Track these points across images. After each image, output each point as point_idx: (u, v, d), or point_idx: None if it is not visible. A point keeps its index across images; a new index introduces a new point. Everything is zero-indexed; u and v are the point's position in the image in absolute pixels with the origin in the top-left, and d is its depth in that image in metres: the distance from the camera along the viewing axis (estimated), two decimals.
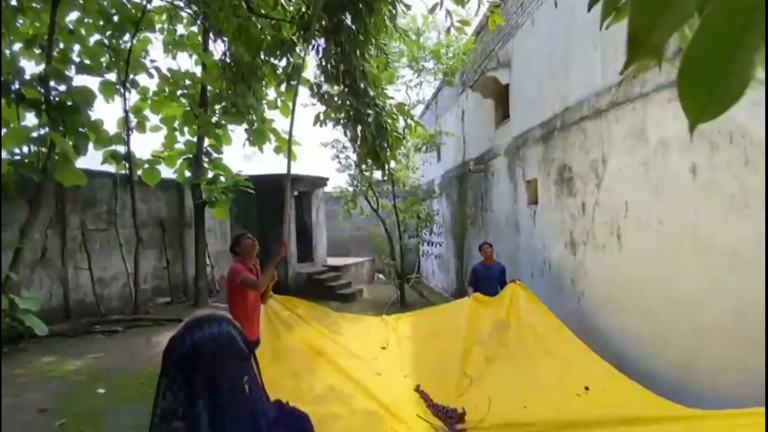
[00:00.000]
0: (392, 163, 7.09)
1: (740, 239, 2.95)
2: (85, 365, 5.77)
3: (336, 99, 6.02)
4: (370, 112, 5.53)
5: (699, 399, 3.03)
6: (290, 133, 4.78)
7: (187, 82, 10.31)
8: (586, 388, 3.54)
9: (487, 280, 5.46)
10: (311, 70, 7.51)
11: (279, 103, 10.29)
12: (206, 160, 10.40)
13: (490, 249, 5.76)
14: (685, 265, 3.41)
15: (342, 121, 5.79)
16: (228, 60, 7.25)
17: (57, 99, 7.20)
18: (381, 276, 14.19)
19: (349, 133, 6.19)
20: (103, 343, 7.01)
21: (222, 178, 10.36)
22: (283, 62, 6.89)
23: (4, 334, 6.30)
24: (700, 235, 3.26)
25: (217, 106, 9.81)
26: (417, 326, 5.27)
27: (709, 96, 0.47)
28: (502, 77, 7.12)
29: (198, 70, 10.21)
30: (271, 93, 9.75)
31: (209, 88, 9.91)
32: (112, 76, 8.97)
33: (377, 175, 9.74)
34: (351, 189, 11.23)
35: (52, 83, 7.14)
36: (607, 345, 4.18)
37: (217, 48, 9.14)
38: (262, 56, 6.83)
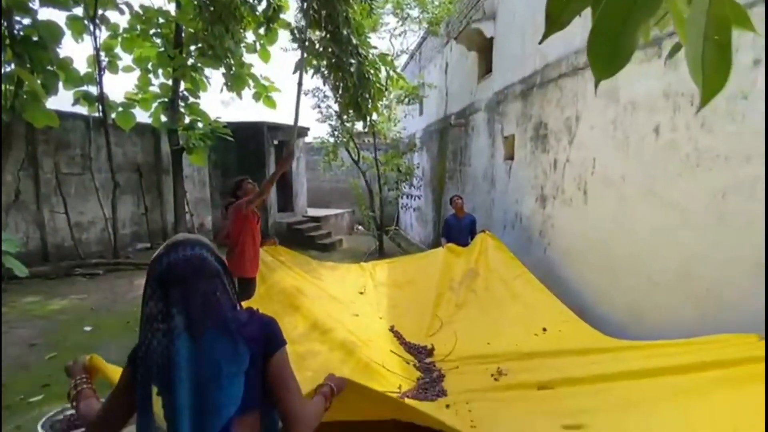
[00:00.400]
0: (374, 115, 7.10)
1: (690, 196, 3.22)
2: (70, 305, 5.92)
3: (317, 46, 5.91)
4: (352, 61, 5.48)
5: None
6: (299, 86, 4.71)
7: (161, 20, 9.80)
8: (544, 329, 3.91)
9: (458, 230, 5.74)
10: (292, 12, 7.28)
11: (258, 47, 9.96)
12: (182, 104, 10.12)
13: (460, 201, 6.02)
14: (642, 221, 3.70)
15: (323, 70, 5.72)
16: None
17: (21, 33, 6.82)
18: (360, 227, 14.46)
19: (330, 83, 6.13)
20: (84, 285, 7.12)
21: (199, 124, 10.13)
22: (263, 4, 6.66)
23: None
24: (657, 192, 3.52)
25: (192, 48, 9.42)
26: (393, 273, 5.57)
27: (608, 58, 0.63)
28: (486, 30, 7.06)
29: (172, 8, 9.69)
30: (249, 36, 9.41)
31: (184, 28, 9.47)
32: (79, 11, 8.45)
33: (359, 126, 9.72)
34: (332, 140, 11.18)
35: (15, 16, 6.73)
36: (569, 291, 4.55)
37: None
38: None
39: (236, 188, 4.22)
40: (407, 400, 2.63)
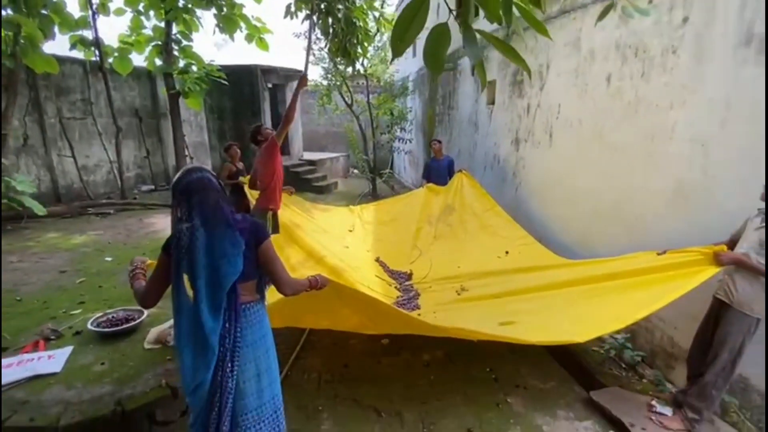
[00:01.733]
0: (363, 61, 7.32)
1: (629, 137, 3.71)
2: (89, 239, 6.56)
3: None
4: (340, 6, 5.70)
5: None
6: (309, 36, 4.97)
7: None
8: (507, 252, 4.56)
9: (437, 171, 6.25)
10: None
11: None
12: (176, 47, 10.21)
13: (438, 145, 6.49)
14: (592, 160, 4.21)
15: (308, 16, 5.92)
16: None
17: None
18: (355, 171, 14.91)
19: (320, 28, 6.35)
20: (98, 222, 7.74)
21: (194, 68, 10.28)
22: None
23: (5, 214, 6.92)
24: (604, 134, 4.01)
25: None
26: (379, 213, 6.17)
27: (434, 65, 1.13)
28: None
29: None
30: None
31: None
32: None
33: (351, 69, 9.89)
34: (325, 83, 11.33)
35: None
36: (534, 223, 5.15)
37: None
38: None
39: (256, 133, 4.69)
40: (377, 299, 3.23)
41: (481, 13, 1.26)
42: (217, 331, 1.77)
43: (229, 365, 1.82)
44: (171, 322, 3.41)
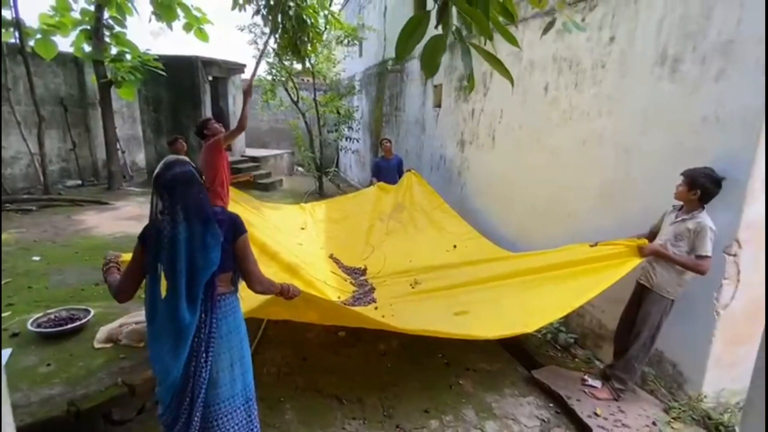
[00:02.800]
0: (312, 58, 7.33)
1: (563, 142, 4.11)
2: (11, 238, 6.00)
3: None
4: (291, 4, 5.70)
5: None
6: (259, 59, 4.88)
7: None
8: (454, 246, 4.84)
9: (387, 170, 6.45)
10: None
11: None
12: (107, 33, 9.55)
13: (388, 144, 6.69)
14: (530, 161, 4.59)
15: (258, 11, 5.88)
16: None
17: None
18: (300, 168, 14.76)
19: (269, 24, 6.30)
20: (19, 220, 7.08)
21: (128, 56, 9.68)
22: None
23: None
24: (541, 138, 4.40)
25: None
26: (330, 211, 6.24)
27: (429, 70, 1.29)
28: None
29: None
30: None
31: None
32: None
33: (298, 66, 9.81)
34: (270, 78, 11.12)
35: None
36: (478, 219, 5.48)
37: None
38: None
39: (203, 127, 4.53)
40: (344, 306, 3.36)
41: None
42: (193, 325, 1.80)
43: (204, 355, 1.85)
44: (122, 320, 3.29)
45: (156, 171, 1.80)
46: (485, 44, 1.53)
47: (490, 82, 5.36)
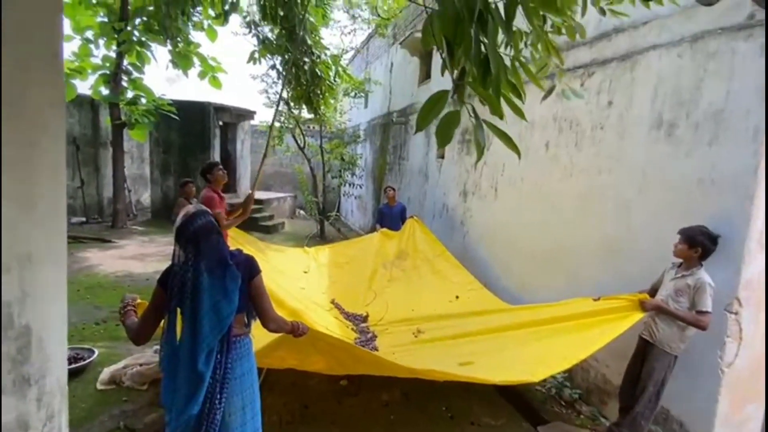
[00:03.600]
0: (323, 108, 7.68)
1: (564, 196, 4.26)
2: None
3: (274, 41, 6.39)
4: (306, 60, 6.05)
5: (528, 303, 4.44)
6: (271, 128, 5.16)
7: None
8: (457, 297, 4.87)
9: (390, 217, 6.61)
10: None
11: (206, 26, 10.05)
12: (126, 78, 10.01)
13: (392, 192, 6.91)
14: (532, 214, 4.73)
15: (276, 66, 6.24)
16: None
17: None
18: (302, 212, 14.93)
19: (283, 76, 6.64)
20: None
21: (143, 100, 10.09)
22: None
23: None
24: (543, 192, 4.56)
25: (138, 21, 9.34)
26: (333, 255, 6.30)
27: (443, 140, 1.42)
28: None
29: None
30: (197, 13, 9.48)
31: (131, 1, 9.37)
32: None
33: (305, 113, 10.21)
34: (278, 125, 11.52)
35: None
36: (480, 269, 5.54)
37: None
38: None
39: (206, 172, 4.57)
40: (351, 344, 3.36)
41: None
42: (209, 373, 1.82)
43: (218, 397, 1.87)
44: (125, 361, 3.27)
45: (178, 223, 1.88)
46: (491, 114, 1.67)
47: (493, 136, 5.59)
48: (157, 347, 3.38)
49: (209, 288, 1.81)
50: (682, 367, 2.95)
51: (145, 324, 1.92)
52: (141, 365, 3.14)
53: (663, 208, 3.25)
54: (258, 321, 2.07)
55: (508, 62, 1.71)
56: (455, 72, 1.59)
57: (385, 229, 6.34)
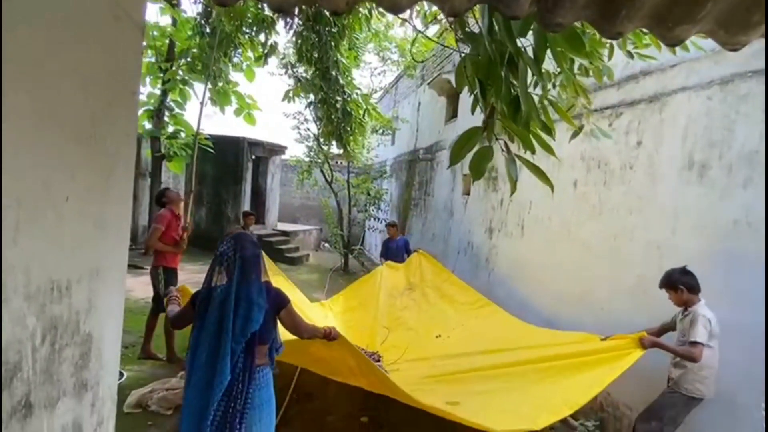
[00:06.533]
0: (351, 144, 7.94)
1: (594, 235, 4.20)
2: None
3: (308, 81, 6.72)
4: (338, 98, 6.32)
5: None
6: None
7: (154, 33, 10.36)
8: (453, 329, 4.79)
9: (394, 251, 6.83)
10: (282, 42, 8.07)
11: (244, 67, 10.67)
12: (168, 114, 10.62)
13: (393, 229, 7.17)
14: (560, 252, 4.66)
15: (310, 103, 6.53)
16: (204, 23, 7.64)
17: None
18: (327, 245, 15.09)
19: (316, 113, 6.94)
20: None
21: (182, 134, 10.64)
22: (261, 37, 7.41)
23: None
24: (572, 231, 4.51)
25: (182, 61, 10.01)
26: (346, 300, 6.34)
27: (477, 173, 1.48)
28: (454, 81, 8.13)
29: (163, 19, 10.28)
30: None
31: (177, 43, 10.08)
32: None
33: (334, 149, 10.53)
34: (307, 159, 11.89)
35: None
36: (506, 307, 5.40)
37: (192, 7, 9.32)
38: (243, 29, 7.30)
39: (161, 197, 4.83)
40: (375, 365, 3.34)
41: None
42: (224, 385, 1.90)
43: (238, 426, 1.91)
44: (152, 385, 3.33)
45: (231, 246, 2.05)
46: (525, 152, 1.72)
47: (519, 173, 5.62)
48: (182, 373, 3.46)
49: (248, 299, 1.98)
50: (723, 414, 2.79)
51: (180, 318, 2.21)
52: (167, 390, 3.18)
53: (699, 250, 3.17)
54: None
55: (536, 100, 1.78)
56: (486, 110, 1.66)
57: (389, 262, 6.40)
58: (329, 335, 2.38)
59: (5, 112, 0.75)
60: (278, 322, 2.14)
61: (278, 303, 2.10)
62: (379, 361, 4.84)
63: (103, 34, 0.94)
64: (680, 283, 2.92)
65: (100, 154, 0.94)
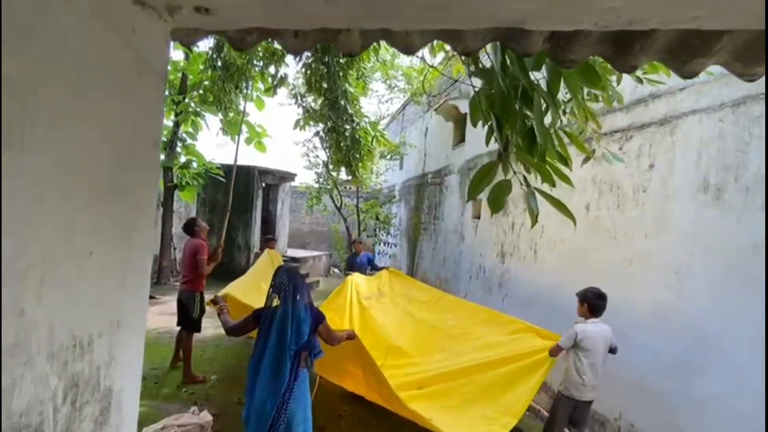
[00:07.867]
0: (360, 170, 8.01)
1: (608, 260, 4.13)
2: None
3: (318, 110, 6.85)
4: (347, 126, 6.41)
5: None
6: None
7: (167, 67, 10.69)
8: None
9: (359, 265, 7.36)
10: (292, 73, 8.25)
11: (254, 97, 10.92)
12: (180, 144, 10.84)
13: (359, 245, 7.74)
14: (574, 276, 4.58)
15: (319, 132, 6.63)
16: (216, 57, 7.87)
17: None
18: (336, 270, 15.04)
19: (326, 141, 7.03)
20: None
21: (194, 164, 10.83)
22: (271, 69, 7.61)
23: None
24: (586, 255, 4.44)
25: (194, 93, 10.27)
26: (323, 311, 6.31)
27: (495, 207, 1.47)
28: (461, 106, 8.23)
29: (175, 53, 10.60)
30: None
31: (189, 76, 10.38)
32: None
33: (343, 175, 10.63)
34: (317, 186, 11.99)
35: None
36: None
37: (205, 42, 9.63)
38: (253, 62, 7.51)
39: (193, 225, 5.20)
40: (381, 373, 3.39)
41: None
42: (286, 377, 2.52)
43: (285, 410, 2.53)
44: (164, 421, 3.28)
45: (281, 279, 2.65)
46: (542, 183, 1.71)
47: (530, 198, 5.60)
48: (194, 408, 3.47)
49: (298, 317, 2.59)
50: None
51: (240, 328, 2.79)
52: (179, 426, 3.13)
53: (717, 274, 3.09)
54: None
55: (549, 130, 1.78)
56: (501, 142, 1.66)
57: (354, 273, 6.35)
58: (351, 337, 3.05)
59: (32, 170, 0.76)
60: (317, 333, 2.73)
61: (317, 319, 2.70)
62: None
63: (127, 88, 0.97)
64: (587, 300, 3.39)
65: (123, 206, 0.95)
